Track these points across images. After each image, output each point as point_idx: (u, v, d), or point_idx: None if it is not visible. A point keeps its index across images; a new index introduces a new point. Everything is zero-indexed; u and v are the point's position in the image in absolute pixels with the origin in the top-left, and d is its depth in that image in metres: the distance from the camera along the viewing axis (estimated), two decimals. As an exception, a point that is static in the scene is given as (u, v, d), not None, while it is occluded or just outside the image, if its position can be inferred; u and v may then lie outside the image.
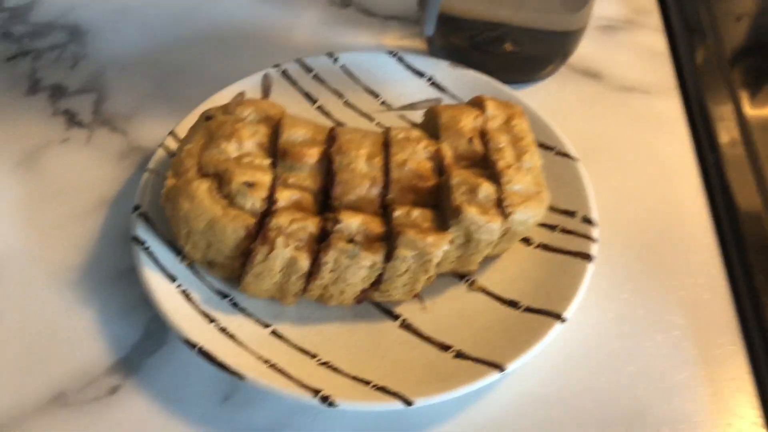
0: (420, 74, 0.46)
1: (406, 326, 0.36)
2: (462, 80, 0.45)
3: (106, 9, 0.53)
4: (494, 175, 0.36)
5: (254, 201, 0.34)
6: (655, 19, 0.55)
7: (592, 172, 0.41)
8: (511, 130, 0.38)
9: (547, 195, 0.37)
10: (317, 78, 0.46)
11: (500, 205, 0.35)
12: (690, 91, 0.50)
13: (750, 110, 0.50)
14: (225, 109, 0.38)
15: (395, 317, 0.36)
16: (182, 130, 0.41)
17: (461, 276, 0.38)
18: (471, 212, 0.34)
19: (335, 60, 0.46)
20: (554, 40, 0.48)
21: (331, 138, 0.37)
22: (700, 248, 0.41)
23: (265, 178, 0.35)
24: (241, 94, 0.43)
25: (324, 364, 0.34)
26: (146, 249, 0.36)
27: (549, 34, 0.48)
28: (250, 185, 0.34)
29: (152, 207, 0.38)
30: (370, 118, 0.45)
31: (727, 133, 0.47)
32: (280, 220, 0.34)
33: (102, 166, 0.44)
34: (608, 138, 0.47)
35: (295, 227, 0.34)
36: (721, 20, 0.57)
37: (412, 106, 0.46)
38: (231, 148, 0.36)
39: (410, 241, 0.33)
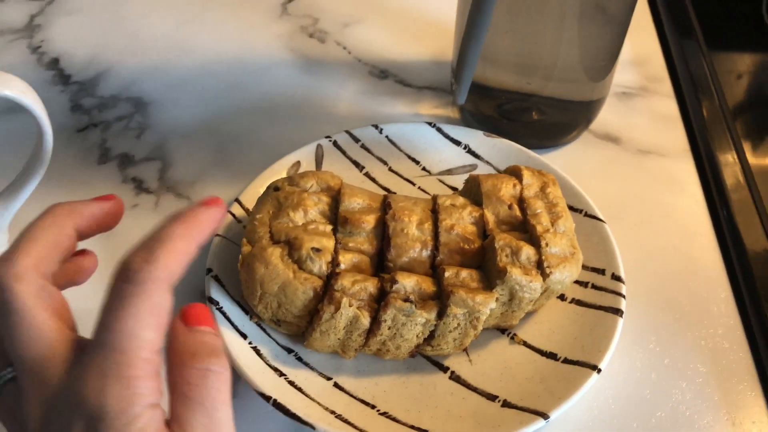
0: (457, 143, 0.51)
1: (455, 378, 0.40)
2: (495, 148, 0.50)
3: (166, 82, 0.58)
4: (533, 239, 0.40)
5: (321, 265, 0.38)
6: (666, 85, 0.60)
7: (615, 230, 0.45)
8: (546, 196, 0.42)
9: (581, 256, 0.41)
10: (364, 147, 0.50)
11: (540, 266, 0.39)
12: (701, 151, 0.55)
13: (753, 160, 0.54)
14: (290, 180, 0.42)
15: (445, 369, 0.40)
16: (246, 198, 0.45)
17: (503, 330, 0.42)
18: (515, 273, 0.38)
19: (380, 131, 0.51)
20: (578, 109, 0.53)
21: (385, 206, 0.41)
22: (717, 299, 0.45)
23: (329, 244, 0.39)
24: (297, 163, 0.48)
25: (383, 414, 0.38)
26: (220, 309, 0.40)
27: (573, 103, 0.53)
28: (317, 251, 0.38)
29: (222, 269, 0.42)
30: (412, 183, 0.50)
31: (734, 181, 0.51)
32: (344, 282, 0.38)
33: None
34: (628, 198, 0.51)
35: (357, 288, 0.38)
36: (723, 78, 0.61)
37: (449, 172, 0.50)
38: (298, 217, 0.40)
39: (461, 300, 0.37)
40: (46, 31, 0.63)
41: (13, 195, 0.42)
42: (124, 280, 0.26)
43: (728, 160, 0.54)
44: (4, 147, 0.52)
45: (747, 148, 0.55)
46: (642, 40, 0.64)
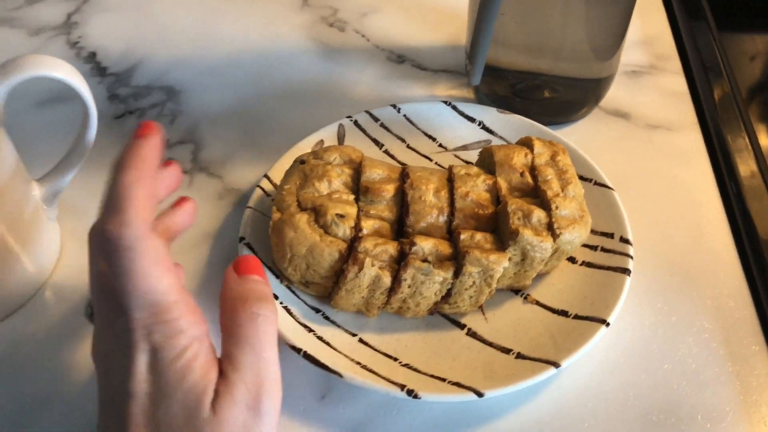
0: (471, 120, 0.53)
1: (472, 334, 0.42)
2: (509, 124, 0.52)
3: (195, 71, 0.62)
4: (544, 203, 0.42)
5: (345, 229, 0.41)
6: (675, 63, 0.62)
7: (625, 201, 0.47)
8: (556, 164, 0.45)
9: (589, 219, 0.43)
10: (383, 126, 0.53)
11: (551, 228, 0.41)
12: (709, 126, 0.57)
13: (762, 134, 0.56)
14: (315, 154, 0.45)
15: (462, 326, 0.43)
16: (274, 173, 0.48)
17: (517, 291, 0.44)
18: (527, 234, 0.40)
19: (398, 110, 0.54)
20: (587, 87, 0.55)
21: (403, 175, 0.44)
22: (723, 263, 0.47)
23: (352, 211, 0.42)
24: (321, 141, 0.51)
25: (405, 365, 0.41)
26: (253, 272, 0.43)
27: (583, 81, 0.55)
28: (341, 216, 0.41)
29: (253, 238, 0.45)
30: (429, 159, 0.52)
31: (745, 164, 0.53)
32: (366, 245, 0.41)
33: (203, 205, 0.51)
34: (638, 170, 0.53)
35: (378, 250, 0.41)
36: (735, 60, 0.63)
37: (464, 147, 0.53)
38: (323, 187, 0.43)
39: (476, 259, 0.40)
40: (83, 28, 0.67)
41: (61, 174, 0.45)
42: (114, 250, 0.29)
43: (736, 133, 0.55)
44: (45, 134, 0.56)
45: (755, 121, 0.57)
46: (651, 20, 0.66)
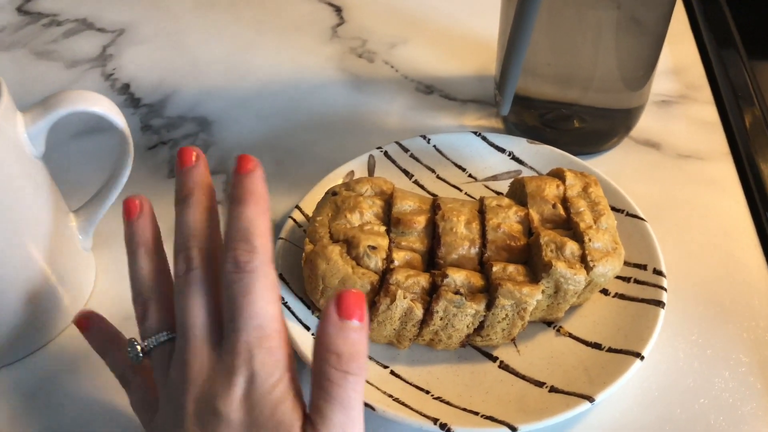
0: (501, 150, 0.53)
1: (504, 366, 0.42)
2: (539, 154, 0.52)
3: (227, 102, 0.63)
4: (577, 235, 0.42)
5: (377, 261, 0.41)
6: (706, 92, 0.62)
7: (658, 231, 0.47)
8: (589, 196, 0.45)
9: (623, 251, 0.43)
10: (413, 156, 0.54)
11: (584, 260, 0.41)
12: (742, 155, 0.56)
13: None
14: (347, 186, 0.45)
15: (494, 359, 0.43)
16: (306, 204, 0.49)
17: (549, 323, 0.44)
18: (560, 266, 0.40)
19: (428, 141, 0.54)
20: (618, 117, 0.55)
21: (435, 207, 0.44)
22: (759, 293, 0.46)
23: (384, 242, 0.42)
24: (351, 172, 0.51)
25: (437, 398, 0.40)
26: (285, 304, 0.43)
27: (613, 111, 0.55)
28: (373, 248, 0.41)
29: (285, 269, 0.45)
30: (459, 189, 0.52)
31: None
32: (398, 276, 0.41)
33: None
34: (669, 201, 0.53)
35: (410, 282, 0.41)
36: (767, 88, 0.63)
37: (494, 178, 0.53)
38: (354, 219, 0.43)
39: (509, 292, 0.40)
40: (118, 60, 0.68)
41: (97, 205, 0.46)
42: (239, 271, 0.31)
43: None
44: (81, 165, 0.57)
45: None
46: (681, 49, 0.66)
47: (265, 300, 0.31)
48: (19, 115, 0.39)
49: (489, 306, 0.41)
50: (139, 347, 0.34)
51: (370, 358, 0.42)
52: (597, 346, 0.42)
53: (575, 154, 0.53)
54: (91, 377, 0.43)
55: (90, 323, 0.39)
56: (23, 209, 0.39)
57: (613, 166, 0.55)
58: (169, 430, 0.32)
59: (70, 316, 0.46)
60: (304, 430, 0.30)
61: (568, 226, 0.44)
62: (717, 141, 0.57)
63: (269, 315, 0.31)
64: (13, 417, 0.42)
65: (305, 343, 0.41)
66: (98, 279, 0.49)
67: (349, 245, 0.42)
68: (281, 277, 0.45)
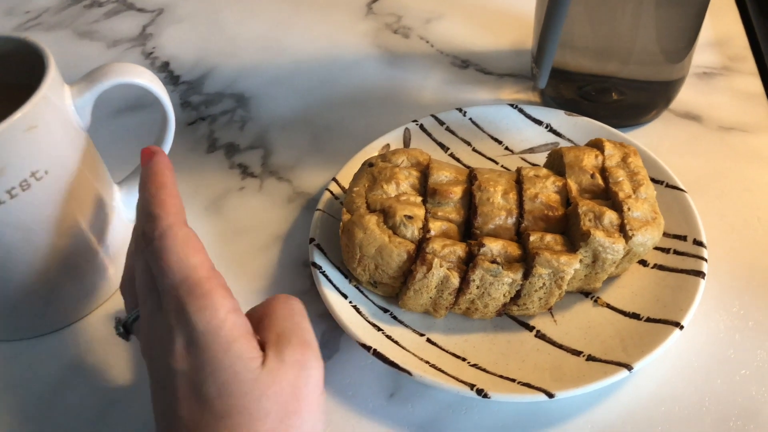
0: (538, 122, 0.53)
1: (541, 336, 0.42)
2: (577, 126, 0.52)
3: (263, 79, 0.64)
4: (615, 205, 0.42)
5: (413, 230, 0.42)
6: (749, 64, 0.61)
7: (699, 204, 0.46)
8: (628, 166, 0.44)
9: (662, 220, 0.42)
10: (449, 129, 0.53)
11: (623, 230, 0.41)
12: (787, 128, 0.55)
13: None
14: (383, 157, 0.46)
15: (531, 328, 0.43)
16: (342, 177, 0.49)
17: (587, 294, 0.44)
18: (598, 235, 0.40)
19: (464, 114, 0.54)
20: (657, 89, 0.54)
21: (471, 177, 0.44)
22: (804, 267, 0.45)
23: (420, 212, 0.42)
24: (387, 145, 0.52)
25: (473, 365, 0.41)
26: (323, 272, 0.44)
27: (652, 83, 0.54)
28: (409, 218, 0.42)
29: (322, 239, 0.46)
30: (495, 162, 0.52)
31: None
32: (435, 245, 0.41)
33: (273, 208, 0.52)
34: (711, 173, 0.52)
35: (446, 251, 0.41)
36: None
37: (531, 150, 0.53)
38: (391, 189, 0.44)
39: (546, 261, 0.40)
40: (157, 39, 0.69)
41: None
42: (147, 242, 0.33)
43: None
44: (124, 140, 0.58)
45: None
46: (724, 21, 0.65)
47: (180, 255, 0.32)
48: (66, 87, 0.40)
49: (526, 275, 0.40)
50: (120, 326, 0.37)
51: (407, 326, 0.43)
52: (635, 316, 0.42)
53: (614, 127, 0.52)
54: (130, 348, 0.45)
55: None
56: (71, 179, 0.41)
57: (653, 139, 0.55)
58: (152, 391, 0.33)
59: (114, 285, 0.47)
60: (264, 353, 0.31)
61: (606, 196, 0.43)
62: (761, 113, 0.56)
63: (190, 266, 0.32)
64: (58, 383, 0.43)
65: (343, 310, 0.42)
66: (141, 250, 0.50)
67: (386, 215, 0.42)
68: (318, 246, 0.45)
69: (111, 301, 0.47)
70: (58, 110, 0.39)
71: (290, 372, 0.31)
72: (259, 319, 0.33)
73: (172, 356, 0.31)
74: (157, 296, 0.33)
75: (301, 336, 0.33)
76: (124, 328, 0.37)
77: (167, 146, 0.46)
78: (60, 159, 0.40)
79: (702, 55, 0.61)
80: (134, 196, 0.48)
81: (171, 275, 0.32)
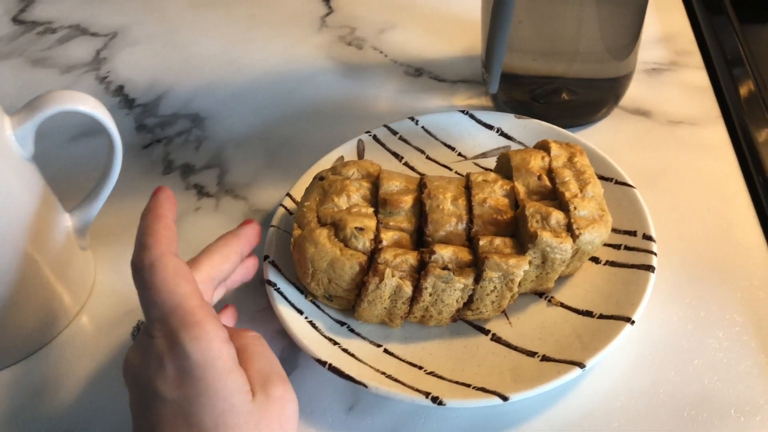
0: (489, 127, 0.53)
1: (496, 339, 0.42)
2: (527, 129, 0.53)
3: (219, 98, 0.64)
4: (562, 205, 0.42)
5: (364, 242, 0.42)
6: (696, 58, 0.62)
7: (649, 198, 0.47)
8: (574, 165, 0.45)
9: (610, 218, 0.43)
10: (402, 139, 0.54)
11: (570, 229, 0.41)
12: (734, 119, 0.56)
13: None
14: (333, 170, 0.46)
15: (486, 332, 0.43)
16: (296, 192, 0.49)
17: (540, 294, 0.44)
18: (546, 236, 0.40)
19: (416, 122, 0.54)
20: (605, 86, 0.55)
21: (421, 186, 0.44)
22: (753, 254, 0.46)
23: (371, 223, 0.43)
24: (341, 158, 0.52)
25: (430, 373, 0.41)
26: (278, 289, 0.44)
27: (600, 81, 0.55)
28: (360, 230, 0.42)
29: (278, 255, 0.46)
30: (449, 168, 0.53)
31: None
32: (386, 256, 0.41)
33: (229, 227, 0.51)
34: (661, 167, 0.52)
35: (398, 260, 0.41)
36: (758, 52, 0.62)
37: (484, 155, 0.53)
38: (342, 202, 0.44)
39: (496, 264, 0.40)
40: (111, 63, 0.69)
41: (90, 204, 0.47)
42: (138, 272, 0.33)
43: (762, 125, 0.55)
44: (77, 168, 0.58)
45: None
46: (670, 17, 0.66)
47: (170, 285, 0.32)
48: (6, 117, 0.40)
49: (477, 279, 0.41)
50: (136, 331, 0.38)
51: (364, 338, 0.43)
52: (588, 313, 0.42)
53: (567, 127, 0.53)
54: (93, 375, 0.44)
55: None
56: (15, 209, 0.40)
57: (605, 136, 0.55)
58: (133, 415, 0.34)
59: (71, 314, 0.47)
60: (254, 391, 0.33)
61: (554, 197, 0.44)
62: (708, 106, 0.57)
63: (180, 294, 0.32)
64: (15, 419, 0.43)
65: (298, 327, 0.42)
66: (98, 277, 0.50)
67: (337, 228, 0.42)
68: (273, 264, 0.45)
69: (68, 332, 0.47)
70: (-3, 142, 0.39)
71: (275, 406, 0.33)
72: (238, 351, 0.34)
73: (164, 384, 0.31)
74: (149, 322, 0.33)
75: (279, 372, 0.35)
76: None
77: (116, 170, 0.46)
78: (2, 190, 0.39)
79: (650, 51, 0.62)
80: (87, 223, 0.48)
81: (161, 305, 0.32)
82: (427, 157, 0.53)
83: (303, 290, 0.44)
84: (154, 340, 0.32)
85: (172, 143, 0.60)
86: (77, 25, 0.75)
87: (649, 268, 0.42)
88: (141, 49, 0.71)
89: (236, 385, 0.32)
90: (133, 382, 0.34)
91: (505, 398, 0.38)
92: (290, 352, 0.44)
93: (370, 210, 0.44)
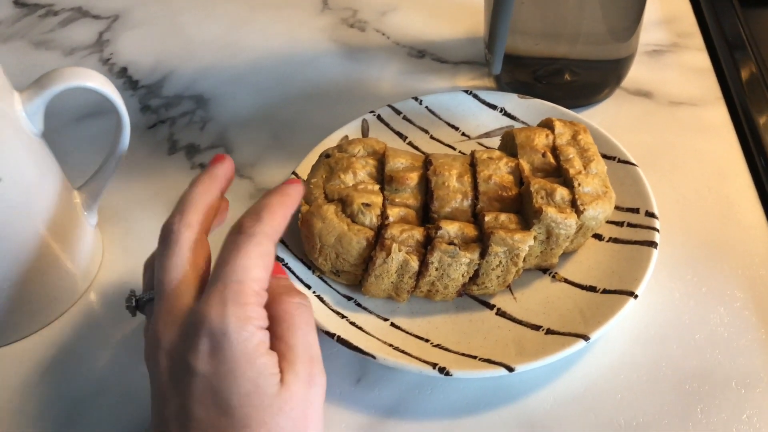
0: (493, 107, 0.54)
1: (501, 313, 0.43)
2: (530, 108, 0.53)
3: (222, 79, 0.64)
4: (567, 181, 0.43)
5: (371, 218, 0.42)
6: (697, 40, 0.62)
7: (651, 178, 0.47)
8: (578, 143, 0.45)
9: (613, 194, 0.43)
10: (406, 119, 0.54)
11: (574, 205, 0.42)
12: (735, 100, 0.56)
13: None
14: (339, 148, 0.46)
15: (491, 307, 0.43)
16: (302, 170, 0.50)
17: (545, 270, 0.45)
18: (550, 211, 0.41)
19: (420, 102, 0.55)
20: (607, 68, 0.56)
21: (427, 163, 0.45)
22: (754, 232, 0.47)
23: (378, 200, 0.43)
24: (346, 137, 0.52)
25: (436, 346, 0.41)
26: (286, 265, 0.44)
27: (602, 62, 0.55)
28: (367, 206, 0.42)
29: (285, 232, 0.46)
30: (452, 148, 0.53)
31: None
32: (393, 231, 0.42)
33: (235, 206, 0.52)
34: (663, 147, 0.53)
35: (405, 236, 0.42)
36: (760, 34, 0.63)
37: (487, 135, 0.54)
38: (348, 179, 0.44)
39: (501, 239, 0.41)
40: (114, 45, 0.69)
41: (99, 181, 0.47)
42: (239, 233, 0.33)
43: (763, 105, 0.55)
44: (85, 146, 0.58)
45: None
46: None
47: (252, 261, 0.32)
48: (15, 94, 0.40)
49: (483, 254, 0.41)
50: (134, 300, 0.36)
51: (371, 312, 0.43)
52: (592, 288, 0.43)
53: (569, 107, 0.53)
54: (101, 349, 0.45)
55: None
56: (26, 185, 0.41)
57: (607, 117, 0.56)
58: (152, 389, 0.33)
59: (80, 290, 0.47)
60: (280, 369, 0.32)
61: (558, 174, 0.44)
62: (709, 87, 0.58)
63: (252, 275, 0.32)
64: (26, 390, 0.43)
65: (306, 300, 0.42)
66: (106, 253, 0.50)
67: (344, 204, 0.43)
68: (281, 240, 0.46)
69: (79, 304, 0.47)
70: (7, 117, 0.39)
71: (302, 389, 0.32)
72: (271, 318, 0.34)
73: (196, 356, 0.31)
74: (192, 287, 0.33)
75: (310, 351, 0.34)
76: (137, 304, 0.36)
77: (124, 145, 0.46)
78: (14, 165, 0.40)
79: (651, 33, 0.62)
80: (95, 200, 0.48)
81: (232, 272, 0.32)
82: (431, 137, 0.54)
83: (310, 265, 0.45)
84: (201, 303, 0.32)
85: (177, 124, 0.60)
86: (79, 7, 0.74)
87: (652, 244, 0.43)
88: (143, 31, 0.71)
89: (263, 368, 0.31)
90: (162, 355, 0.32)
91: (510, 369, 0.38)
92: (297, 327, 0.44)
93: (377, 187, 0.44)
